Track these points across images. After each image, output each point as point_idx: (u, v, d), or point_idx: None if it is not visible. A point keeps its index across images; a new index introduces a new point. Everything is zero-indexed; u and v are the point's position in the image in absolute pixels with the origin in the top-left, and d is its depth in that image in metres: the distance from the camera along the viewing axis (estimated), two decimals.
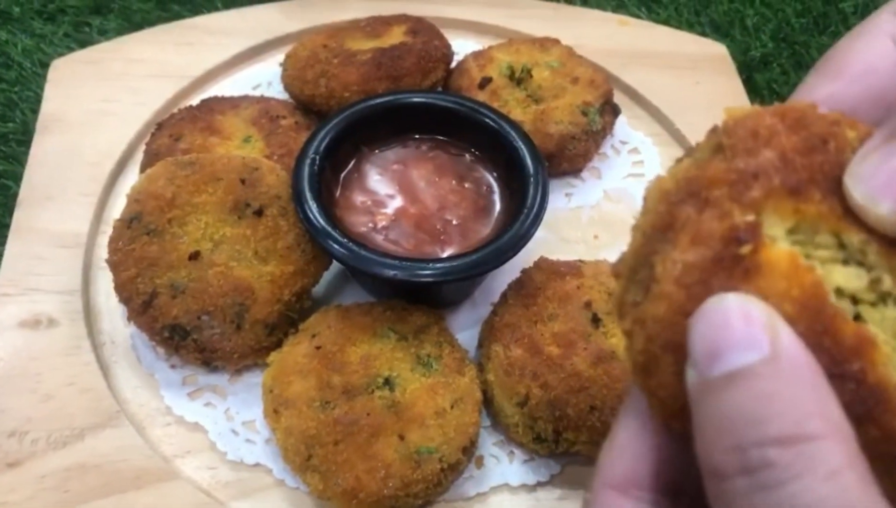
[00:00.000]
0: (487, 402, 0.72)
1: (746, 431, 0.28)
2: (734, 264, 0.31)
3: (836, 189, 0.34)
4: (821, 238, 0.33)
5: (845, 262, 0.33)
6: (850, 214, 0.33)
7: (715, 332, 0.30)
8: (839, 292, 0.33)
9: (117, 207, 0.84)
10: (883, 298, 0.33)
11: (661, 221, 0.34)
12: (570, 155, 0.89)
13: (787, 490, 0.27)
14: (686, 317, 0.31)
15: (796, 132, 0.35)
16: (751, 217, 0.32)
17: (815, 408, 0.28)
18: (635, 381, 0.35)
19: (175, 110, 0.92)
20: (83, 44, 1.07)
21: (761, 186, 0.33)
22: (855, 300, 0.33)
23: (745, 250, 0.31)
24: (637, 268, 0.35)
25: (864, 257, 0.33)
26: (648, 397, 0.34)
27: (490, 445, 0.73)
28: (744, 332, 0.29)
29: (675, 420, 0.33)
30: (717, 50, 1.08)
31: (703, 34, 1.14)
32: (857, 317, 0.32)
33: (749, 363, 0.29)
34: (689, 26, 1.17)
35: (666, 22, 1.16)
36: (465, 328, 0.80)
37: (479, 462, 0.72)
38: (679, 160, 0.37)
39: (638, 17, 1.16)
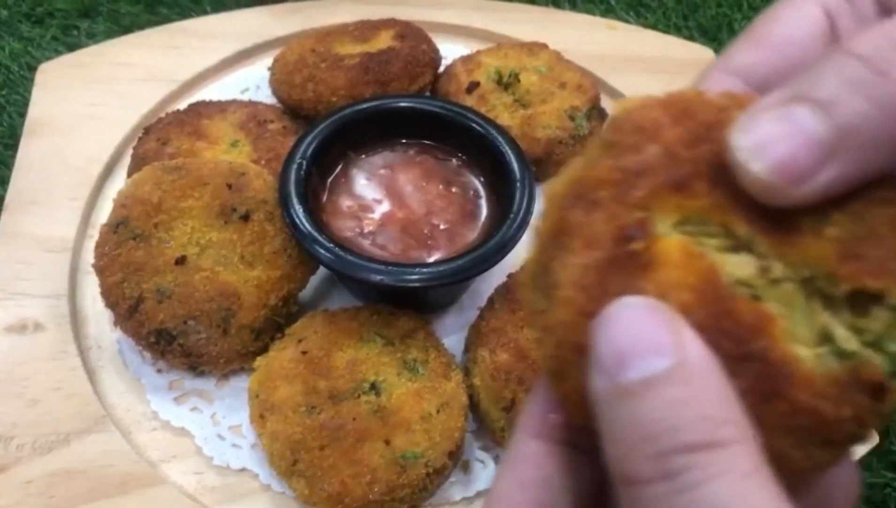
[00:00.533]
0: (474, 407, 0.72)
1: (665, 438, 0.28)
2: (629, 262, 0.31)
3: (723, 178, 0.33)
4: (709, 229, 0.33)
5: (735, 250, 0.33)
6: (739, 203, 0.33)
7: (620, 336, 0.30)
8: (732, 278, 0.33)
9: (104, 211, 0.84)
10: (774, 283, 0.33)
11: (555, 226, 0.34)
12: (558, 160, 0.89)
13: (704, 490, 0.27)
14: (590, 319, 0.31)
15: (682, 123, 0.34)
16: (639, 214, 0.32)
17: (725, 414, 0.28)
18: (551, 388, 0.35)
19: (162, 115, 0.92)
20: (71, 47, 1.07)
21: (645, 184, 0.33)
22: (748, 287, 0.33)
23: (637, 246, 0.31)
24: (538, 276, 0.35)
25: (752, 245, 0.33)
26: (564, 402, 0.34)
27: (476, 449, 0.73)
28: (650, 336, 0.29)
29: (593, 422, 0.33)
30: (705, 55, 1.08)
31: (691, 38, 1.15)
32: (755, 298, 0.32)
33: (659, 369, 0.28)
34: (677, 30, 1.17)
35: (654, 26, 1.16)
36: (452, 332, 0.80)
37: (466, 467, 0.72)
38: (575, 160, 0.37)
39: (626, 21, 1.16)
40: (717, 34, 1.18)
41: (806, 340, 0.31)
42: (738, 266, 0.33)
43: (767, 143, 0.31)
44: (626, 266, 0.32)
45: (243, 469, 0.71)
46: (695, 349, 0.29)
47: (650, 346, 0.29)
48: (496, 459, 0.73)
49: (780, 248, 0.33)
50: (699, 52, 1.09)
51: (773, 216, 0.33)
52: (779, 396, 0.30)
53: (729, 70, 0.39)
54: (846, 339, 0.31)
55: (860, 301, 0.33)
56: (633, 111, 0.35)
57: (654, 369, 0.29)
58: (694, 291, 0.31)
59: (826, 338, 0.31)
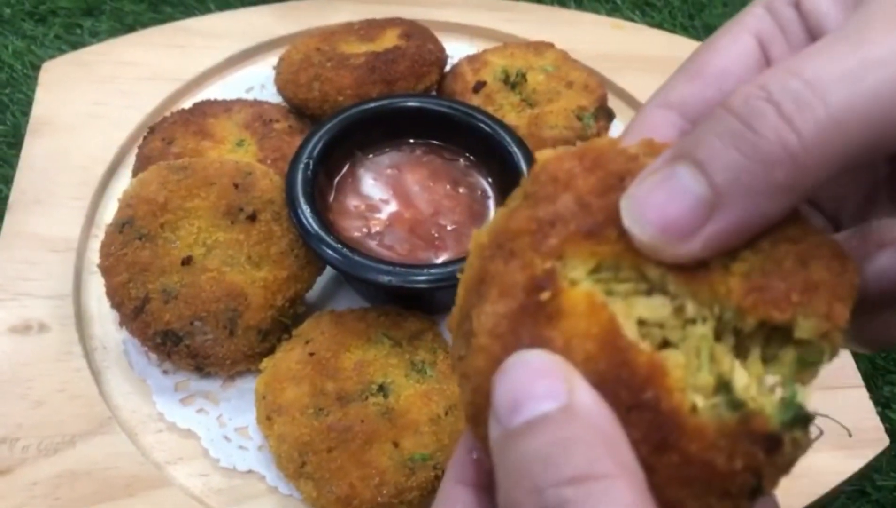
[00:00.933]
0: None
1: (543, 473, 0.29)
2: (538, 311, 0.33)
3: None
4: (623, 274, 0.34)
5: (649, 293, 0.34)
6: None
7: (515, 387, 0.31)
8: (643, 323, 0.33)
9: (109, 211, 0.83)
10: (686, 324, 0.33)
11: (476, 275, 0.35)
12: None
13: None
14: None
15: (593, 172, 0.36)
16: (548, 264, 0.33)
17: (605, 451, 0.29)
18: (471, 431, 0.36)
19: (167, 114, 0.91)
20: (74, 46, 1.06)
21: (558, 233, 0.34)
22: (661, 328, 0.34)
23: (545, 296, 0.32)
24: (461, 322, 0.36)
25: (665, 286, 0.34)
26: (482, 445, 0.35)
27: None
28: (541, 384, 0.31)
29: None
30: None
31: (697, 38, 1.14)
32: (665, 343, 0.33)
33: (546, 410, 0.30)
34: (684, 30, 1.17)
35: (660, 26, 1.16)
36: None
37: None
38: (499, 210, 0.38)
39: (632, 20, 1.16)
40: None
41: (705, 388, 0.31)
42: (652, 308, 0.34)
43: (649, 207, 0.33)
44: (535, 316, 0.33)
45: (250, 471, 0.71)
46: (582, 393, 0.30)
47: (539, 392, 0.30)
48: None
49: (690, 286, 0.33)
50: None
51: (682, 267, 0.34)
52: (671, 447, 0.31)
53: (666, 104, 0.40)
54: (743, 388, 0.31)
55: (774, 339, 0.33)
56: (549, 162, 0.37)
57: (540, 410, 0.30)
58: (596, 341, 0.32)
59: (725, 386, 0.31)
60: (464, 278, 0.37)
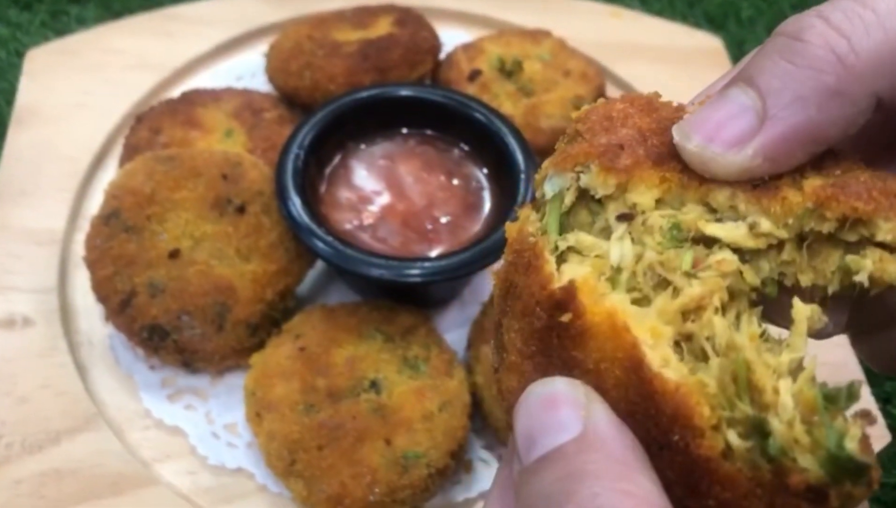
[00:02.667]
0: (476, 404, 0.70)
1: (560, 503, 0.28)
2: (563, 333, 0.31)
3: None
4: (689, 208, 0.34)
5: (719, 221, 0.34)
6: (712, 180, 0.34)
7: (530, 421, 0.30)
8: (721, 245, 0.33)
9: (95, 202, 0.81)
10: (762, 251, 0.33)
11: (504, 285, 0.35)
12: None
13: None
14: None
15: (648, 115, 0.36)
16: (565, 282, 0.32)
17: (617, 482, 0.28)
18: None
19: (155, 103, 0.89)
20: (60, 33, 1.04)
21: (629, 154, 0.34)
22: (738, 252, 0.33)
23: (567, 318, 0.31)
24: (497, 327, 0.36)
25: (734, 209, 0.33)
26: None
27: (479, 448, 0.71)
28: (556, 415, 0.30)
29: None
30: (711, 43, 1.06)
31: (697, 26, 1.12)
32: (703, 353, 0.31)
33: (559, 443, 0.29)
34: (683, 18, 1.15)
35: (659, 13, 1.14)
36: (454, 327, 0.78)
37: (468, 467, 0.70)
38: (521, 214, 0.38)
39: (630, 8, 1.14)
40: (723, 22, 1.15)
41: (740, 422, 0.29)
42: (728, 231, 0.33)
43: (697, 120, 0.33)
44: (562, 336, 0.32)
45: (239, 469, 0.69)
46: (600, 421, 0.29)
47: (553, 425, 0.30)
48: (500, 458, 0.71)
49: (761, 204, 0.33)
50: (705, 41, 1.07)
51: (750, 187, 0.33)
52: (704, 493, 0.29)
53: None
54: (782, 431, 0.28)
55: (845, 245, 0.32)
56: (597, 106, 0.37)
57: (552, 445, 0.29)
58: (622, 367, 0.30)
59: (761, 423, 0.29)
60: (497, 278, 0.36)
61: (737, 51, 1.10)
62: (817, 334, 0.35)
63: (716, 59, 1.04)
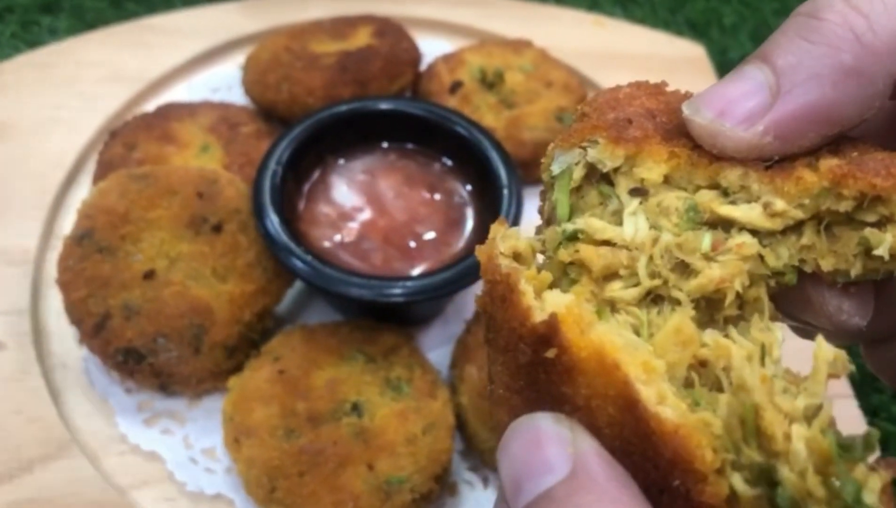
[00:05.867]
0: (461, 426, 0.69)
1: None
2: (550, 368, 0.30)
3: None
4: (702, 192, 0.33)
5: (733, 203, 0.33)
6: (721, 158, 0.33)
7: (515, 465, 0.29)
8: (739, 228, 0.32)
9: (68, 221, 0.79)
10: (781, 232, 0.32)
11: (485, 315, 0.33)
12: None
13: None
14: None
15: (655, 97, 0.36)
16: (546, 316, 0.30)
17: None
18: None
19: (129, 117, 0.87)
20: (32, 44, 1.02)
21: (637, 127, 0.33)
22: (755, 234, 0.32)
23: (551, 353, 0.30)
24: (486, 357, 0.34)
25: (746, 190, 0.32)
26: None
27: (464, 471, 0.70)
28: (541, 456, 0.28)
29: None
30: (694, 52, 1.05)
31: (680, 33, 1.12)
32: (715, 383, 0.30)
33: (546, 487, 0.27)
34: (665, 25, 1.14)
35: (642, 20, 1.13)
36: (437, 346, 0.76)
37: (453, 490, 0.69)
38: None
39: (613, 16, 1.13)
40: (706, 29, 1.15)
41: (748, 467, 0.28)
42: (743, 212, 0.32)
43: (708, 95, 0.32)
44: (549, 371, 0.30)
45: (218, 495, 0.67)
46: (590, 458, 0.28)
47: (539, 466, 0.28)
48: (485, 481, 0.70)
49: (775, 184, 0.32)
50: (688, 49, 1.06)
51: (763, 167, 0.32)
52: None
53: None
54: (792, 483, 0.27)
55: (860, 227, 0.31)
56: (603, 91, 0.36)
57: (541, 488, 0.28)
58: (615, 405, 0.29)
59: (769, 470, 0.27)
60: (478, 305, 0.34)
61: (720, 58, 1.09)
62: (847, 331, 0.34)
63: (698, 66, 1.03)
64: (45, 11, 1.07)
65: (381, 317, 0.72)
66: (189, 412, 0.72)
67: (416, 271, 0.71)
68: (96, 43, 0.98)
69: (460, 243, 0.74)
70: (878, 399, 0.78)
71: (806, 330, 0.36)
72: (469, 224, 0.76)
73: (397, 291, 0.66)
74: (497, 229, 0.34)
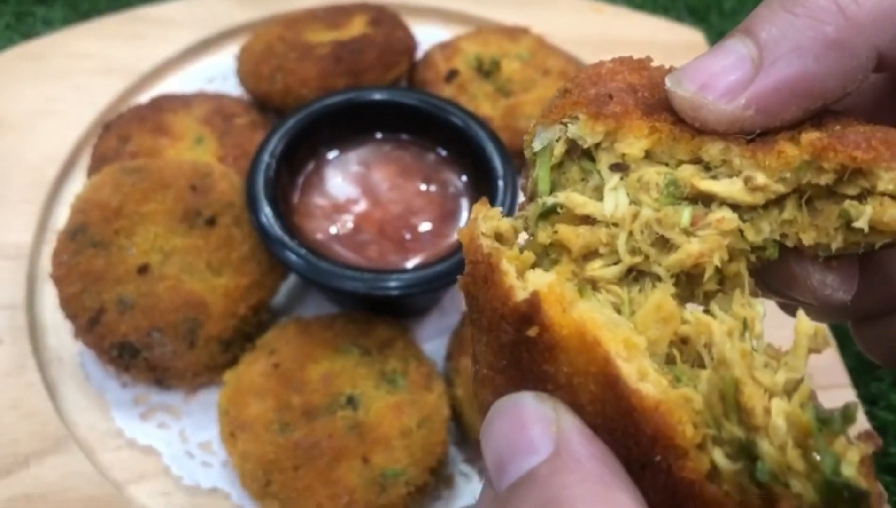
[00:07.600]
0: (456, 418, 0.69)
1: None
2: (532, 347, 0.30)
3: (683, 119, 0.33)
4: (683, 167, 0.33)
5: (714, 178, 0.32)
6: (703, 132, 0.33)
7: (498, 444, 0.29)
8: (719, 203, 0.32)
9: (62, 214, 0.79)
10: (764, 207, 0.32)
11: (467, 297, 0.33)
12: None
13: None
14: None
15: (638, 72, 0.35)
16: (528, 295, 0.30)
17: (599, 506, 0.26)
18: None
19: (123, 109, 0.86)
20: (26, 35, 1.01)
21: (618, 102, 0.33)
22: (736, 209, 0.32)
23: (533, 332, 0.30)
24: (471, 338, 0.34)
25: (728, 164, 0.32)
26: None
27: (460, 462, 0.70)
28: (524, 436, 0.28)
29: None
30: (693, 38, 1.04)
31: (679, 19, 1.10)
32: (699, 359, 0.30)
33: (530, 467, 0.27)
34: (665, 10, 1.13)
35: (641, 6, 1.12)
36: (433, 337, 0.76)
37: (449, 482, 0.69)
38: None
39: (611, 1, 1.11)
40: (705, 15, 1.13)
41: (729, 442, 0.27)
42: (724, 187, 0.32)
43: (690, 68, 0.32)
44: (531, 350, 0.30)
45: (214, 489, 0.67)
46: (572, 437, 0.28)
47: (523, 445, 0.28)
48: (480, 472, 0.69)
49: (756, 158, 0.32)
50: (687, 36, 1.05)
51: (745, 141, 0.32)
52: None
53: None
54: (771, 457, 0.26)
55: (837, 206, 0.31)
56: (587, 67, 0.36)
57: (525, 468, 0.27)
58: (597, 382, 0.29)
59: (749, 446, 0.27)
60: (461, 288, 0.34)
61: None
62: (832, 306, 0.34)
63: (698, 52, 1.02)
64: (40, 2, 1.07)
65: (377, 309, 0.72)
66: (185, 406, 0.72)
67: (411, 263, 0.71)
68: (90, 34, 0.97)
69: (456, 235, 0.73)
70: (876, 388, 0.78)
71: (793, 307, 0.35)
72: (465, 215, 0.75)
73: (392, 284, 0.66)
74: (479, 210, 0.34)
